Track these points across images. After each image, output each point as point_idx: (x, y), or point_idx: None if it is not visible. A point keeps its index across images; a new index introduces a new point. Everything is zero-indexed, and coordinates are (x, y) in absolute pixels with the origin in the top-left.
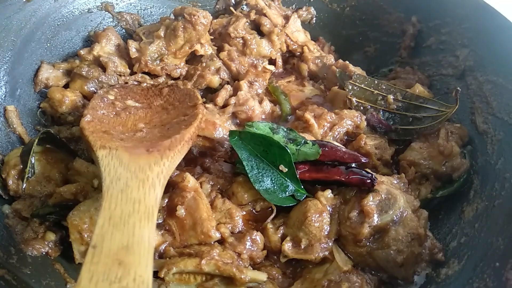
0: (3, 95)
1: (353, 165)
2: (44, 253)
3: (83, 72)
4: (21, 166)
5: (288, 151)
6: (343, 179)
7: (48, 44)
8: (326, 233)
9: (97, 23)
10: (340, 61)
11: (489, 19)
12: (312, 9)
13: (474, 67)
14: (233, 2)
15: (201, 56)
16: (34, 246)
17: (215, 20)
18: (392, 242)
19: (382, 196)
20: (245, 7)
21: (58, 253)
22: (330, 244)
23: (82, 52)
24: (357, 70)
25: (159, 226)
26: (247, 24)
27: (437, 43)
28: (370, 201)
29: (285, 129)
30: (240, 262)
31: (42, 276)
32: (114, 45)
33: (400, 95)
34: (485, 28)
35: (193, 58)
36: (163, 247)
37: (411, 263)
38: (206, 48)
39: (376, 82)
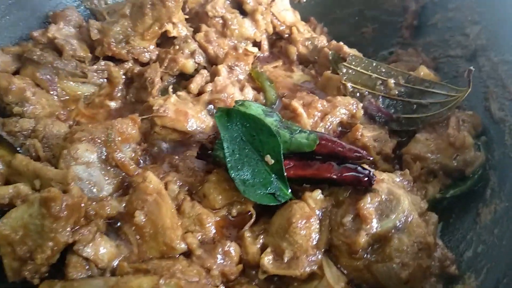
0: None
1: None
2: None
3: (34, 57)
4: None
5: (279, 140)
6: (334, 176)
7: None
8: (314, 242)
9: (56, 2)
10: (334, 42)
11: None
12: None
13: (487, 46)
14: None
15: (174, 38)
16: None
17: None
18: (395, 254)
19: (382, 197)
20: None
21: None
22: (320, 256)
23: (35, 34)
24: (352, 52)
25: (113, 236)
26: (228, 2)
27: (444, 21)
28: (368, 204)
29: (280, 115)
30: (209, 280)
31: None
32: (74, 26)
33: (402, 79)
34: (499, 1)
35: (165, 41)
36: (116, 262)
37: (418, 278)
38: (179, 29)
39: (374, 64)
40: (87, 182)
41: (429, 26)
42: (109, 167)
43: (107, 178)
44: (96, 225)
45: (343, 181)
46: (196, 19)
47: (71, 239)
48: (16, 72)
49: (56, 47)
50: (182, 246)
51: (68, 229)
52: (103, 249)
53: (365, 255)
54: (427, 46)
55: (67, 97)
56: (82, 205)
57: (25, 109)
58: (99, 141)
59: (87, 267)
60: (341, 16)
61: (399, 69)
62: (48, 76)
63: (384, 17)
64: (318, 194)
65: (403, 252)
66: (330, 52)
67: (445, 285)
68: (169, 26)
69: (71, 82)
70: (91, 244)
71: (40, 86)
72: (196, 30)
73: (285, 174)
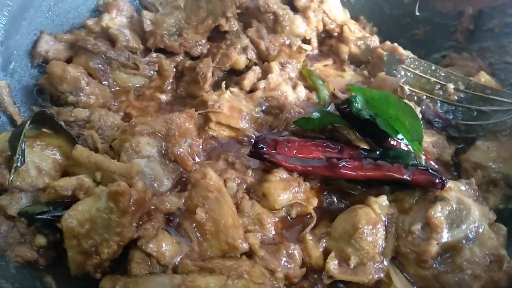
0: None
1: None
2: (32, 261)
3: (88, 46)
4: (9, 153)
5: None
6: (407, 177)
7: (50, 12)
8: (381, 249)
9: None
10: (388, 43)
11: None
12: None
13: None
14: None
15: (226, 32)
16: (20, 252)
17: None
18: (466, 265)
19: (453, 205)
20: None
21: (50, 261)
22: (386, 263)
23: (89, 22)
24: (408, 54)
25: (173, 232)
26: None
27: (502, 26)
28: (438, 212)
29: None
30: (273, 282)
31: None
32: (126, 16)
33: (462, 84)
34: None
35: (216, 35)
36: (178, 259)
37: None
38: (232, 23)
39: (433, 68)
40: (149, 176)
41: (486, 31)
42: (167, 162)
43: (165, 172)
44: (159, 221)
45: (416, 183)
46: (247, 14)
47: (136, 234)
48: (68, 61)
49: (110, 37)
50: (245, 246)
51: (134, 224)
52: (165, 246)
53: (434, 265)
54: (482, 51)
55: (117, 88)
56: (147, 200)
57: (79, 98)
58: (159, 135)
59: (149, 263)
60: (391, 17)
61: (459, 74)
62: (101, 66)
63: (437, 19)
64: (384, 199)
65: (474, 264)
66: (384, 53)
67: None
68: (222, 20)
69: (123, 73)
70: (154, 240)
71: (92, 76)
72: (246, 25)
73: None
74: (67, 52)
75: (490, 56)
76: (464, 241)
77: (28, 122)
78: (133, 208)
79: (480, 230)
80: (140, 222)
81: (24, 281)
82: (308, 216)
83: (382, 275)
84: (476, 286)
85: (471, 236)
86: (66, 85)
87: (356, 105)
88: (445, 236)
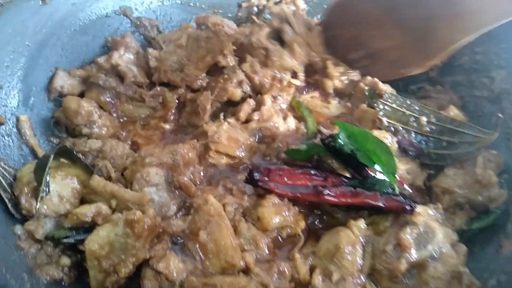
0: (16, 104)
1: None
2: (58, 280)
3: (100, 82)
4: (35, 184)
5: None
6: (381, 204)
7: (64, 50)
8: (359, 267)
9: (114, 28)
10: (369, 78)
11: None
12: None
13: (511, 90)
14: (256, 10)
15: (223, 67)
16: (48, 271)
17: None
18: (430, 280)
19: (420, 229)
20: (268, 15)
21: (73, 279)
22: (363, 279)
23: (100, 60)
24: (386, 88)
25: (179, 252)
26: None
27: (471, 63)
28: (408, 234)
29: None
30: None
31: None
32: (133, 53)
33: (434, 117)
34: None
35: (214, 69)
36: (184, 276)
37: None
38: (228, 59)
39: (408, 102)
40: (158, 203)
41: (456, 66)
42: (173, 189)
43: (172, 198)
44: (166, 242)
45: (390, 209)
46: (241, 49)
47: (148, 255)
48: (80, 95)
49: (119, 73)
50: (242, 264)
51: (147, 246)
52: (173, 264)
53: (404, 280)
54: (454, 85)
55: (125, 119)
56: (157, 225)
57: (93, 130)
58: (166, 165)
59: (159, 279)
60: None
61: (431, 108)
62: (111, 100)
63: None
64: (362, 222)
65: (437, 279)
66: (366, 88)
67: None
68: (220, 57)
69: (130, 105)
70: (163, 260)
71: (103, 108)
72: (241, 60)
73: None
74: (80, 87)
75: (461, 89)
76: (429, 260)
77: (52, 156)
78: (146, 233)
79: (443, 250)
80: (151, 244)
81: None
82: (297, 236)
83: None
84: None
85: (435, 255)
86: (81, 119)
87: (340, 141)
88: (413, 255)
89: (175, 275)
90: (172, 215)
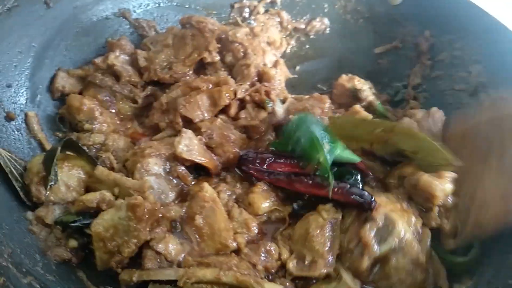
0: (25, 101)
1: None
2: (67, 260)
3: (97, 81)
4: (44, 173)
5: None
6: (342, 199)
7: (67, 50)
8: (327, 248)
9: (114, 29)
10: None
11: (502, 36)
12: (325, 20)
13: (487, 83)
14: (247, 10)
15: (208, 64)
16: (58, 253)
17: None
18: (393, 272)
19: (380, 223)
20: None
21: (80, 260)
22: (333, 260)
23: (96, 60)
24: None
25: (177, 235)
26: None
27: (450, 58)
28: (367, 231)
29: None
30: (256, 273)
31: (67, 283)
32: (128, 54)
33: None
34: (498, 45)
35: (200, 67)
36: (182, 256)
37: None
38: (214, 55)
39: None
40: (157, 190)
41: (437, 62)
42: (171, 178)
43: (170, 187)
44: (166, 226)
45: (349, 203)
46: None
47: (149, 237)
48: (79, 93)
49: (115, 72)
50: (234, 245)
51: (148, 229)
52: (171, 246)
53: (370, 276)
54: (435, 79)
55: (121, 116)
56: (157, 209)
57: (94, 126)
58: (164, 156)
59: (158, 259)
60: (360, 48)
61: None
62: (108, 98)
63: (400, 51)
64: (329, 206)
65: (400, 270)
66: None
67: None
68: (205, 53)
69: (126, 105)
70: (162, 241)
71: (103, 106)
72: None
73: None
74: (79, 85)
75: (441, 83)
76: (391, 253)
77: (59, 148)
78: (146, 216)
79: (404, 241)
80: (152, 227)
81: (63, 275)
82: (285, 220)
83: (331, 269)
84: None
85: (396, 247)
86: (83, 115)
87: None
88: (376, 250)
89: (173, 255)
90: (171, 201)
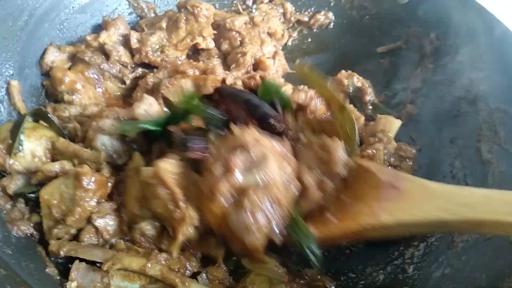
0: (11, 73)
1: None
2: (29, 235)
3: (85, 58)
4: (10, 141)
5: None
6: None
7: (61, 26)
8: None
9: (112, 8)
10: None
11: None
12: (330, 14)
13: (487, 93)
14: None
15: (203, 50)
16: (20, 227)
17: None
18: (248, 206)
19: (252, 155)
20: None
21: (42, 235)
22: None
23: (88, 38)
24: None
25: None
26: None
27: (453, 63)
28: (237, 154)
29: None
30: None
31: (23, 258)
32: (122, 35)
33: None
34: (505, 55)
35: (195, 52)
36: (116, 239)
37: None
38: (208, 42)
39: None
40: (110, 149)
41: (440, 66)
42: (128, 141)
43: (124, 150)
44: (116, 204)
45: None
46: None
47: (96, 209)
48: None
49: (105, 51)
50: None
51: (95, 199)
52: (111, 223)
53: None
54: (435, 84)
55: (107, 96)
56: (109, 184)
57: (74, 97)
58: (122, 119)
59: (96, 237)
60: (362, 45)
61: None
62: (95, 75)
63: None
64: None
65: (255, 206)
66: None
67: None
68: (199, 39)
69: (112, 84)
70: (104, 218)
71: (89, 83)
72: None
73: None
74: (69, 62)
75: (441, 88)
76: (253, 186)
77: (26, 116)
78: (93, 186)
79: (271, 181)
80: (102, 201)
81: (21, 248)
82: None
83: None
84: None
85: (260, 184)
86: (64, 86)
87: None
88: (239, 178)
89: (110, 233)
90: (122, 164)
